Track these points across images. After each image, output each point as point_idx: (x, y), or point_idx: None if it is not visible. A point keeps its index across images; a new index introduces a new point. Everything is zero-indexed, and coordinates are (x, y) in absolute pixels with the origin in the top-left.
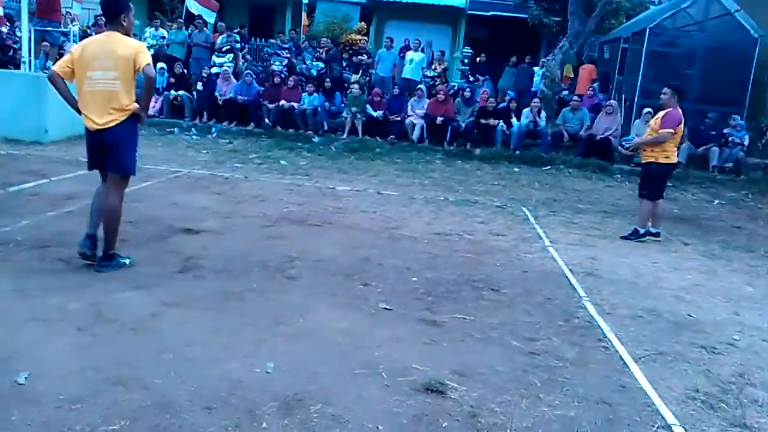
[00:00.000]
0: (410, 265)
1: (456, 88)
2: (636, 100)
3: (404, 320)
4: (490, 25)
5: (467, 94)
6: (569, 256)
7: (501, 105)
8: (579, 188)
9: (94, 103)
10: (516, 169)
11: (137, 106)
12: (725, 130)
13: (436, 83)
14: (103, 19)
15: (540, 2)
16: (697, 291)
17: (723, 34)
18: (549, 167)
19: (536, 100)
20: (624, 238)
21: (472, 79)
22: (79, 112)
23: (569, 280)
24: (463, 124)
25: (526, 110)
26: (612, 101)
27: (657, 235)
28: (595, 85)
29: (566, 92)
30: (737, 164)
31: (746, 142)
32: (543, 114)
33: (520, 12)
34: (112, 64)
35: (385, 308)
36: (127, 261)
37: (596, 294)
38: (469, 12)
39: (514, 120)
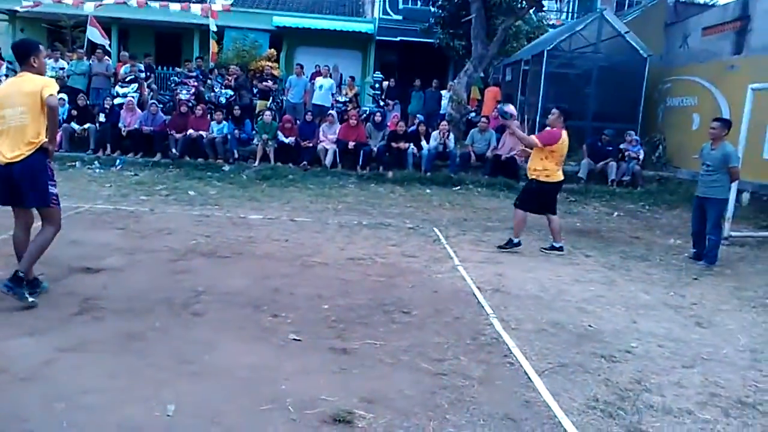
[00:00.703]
0: (322, 293)
1: (367, 112)
2: (537, 119)
3: (314, 350)
4: (399, 49)
5: (378, 118)
6: (478, 273)
7: (411, 128)
8: (488, 207)
9: (7, 139)
10: (428, 191)
11: (45, 139)
12: (622, 146)
13: (348, 108)
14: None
15: (445, 27)
16: (598, 301)
17: (615, 55)
18: (459, 187)
19: (444, 122)
20: (500, 247)
21: (382, 103)
22: None
23: (477, 298)
24: (375, 148)
25: (435, 133)
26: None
27: (561, 249)
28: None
29: (473, 114)
30: (634, 177)
31: (641, 156)
32: (452, 136)
33: (427, 37)
34: (20, 100)
35: (295, 339)
36: (30, 299)
37: (503, 310)
38: (377, 38)
39: (423, 143)
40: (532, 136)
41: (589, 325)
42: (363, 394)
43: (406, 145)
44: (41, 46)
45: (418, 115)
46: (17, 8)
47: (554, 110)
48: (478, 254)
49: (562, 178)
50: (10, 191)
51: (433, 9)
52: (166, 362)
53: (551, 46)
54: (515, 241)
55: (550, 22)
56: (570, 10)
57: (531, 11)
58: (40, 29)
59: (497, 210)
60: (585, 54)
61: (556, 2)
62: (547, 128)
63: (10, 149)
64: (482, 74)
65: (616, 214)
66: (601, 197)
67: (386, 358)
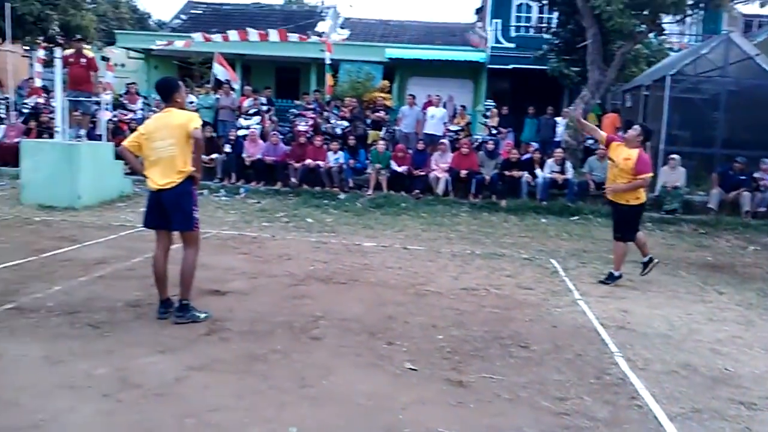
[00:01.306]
0: (436, 323)
1: (479, 140)
2: (661, 146)
3: (430, 381)
4: (511, 77)
5: (490, 146)
6: (600, 309)
7: (525, 156)
8: (609, 238)
9: (158, 168)
10: (543, 220)
11: (192, 168)
12: (756, 174)
13: (460, 137)
14: (158, 97)
15: (560, 54)
16: (734, 343)
17: (745, 78)
18: (577, 217)
19: (559, 150)
20: (601, 282)
21: (495, 131)
22: (145, 177)
23: (600, 335)
24: (488, 177)
25: (550, 161)
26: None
27: (651, 261)
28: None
29: (591, 141)
30: None
31: None
32: (568, 164)
33: (540, 64)
34: (168, 133)
35: (411, 368)
36: (202, 315)
37: (629, 349)
38: (489, 66)
39: (538, 171)
40: (644, 176)
41: (726, 368)
42: (481, 429)
43: (521, 173)
44: (181, 84)
45: (532, 143)
46: (152, 47)
47: (636, 126)
48: (599, 288)
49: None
50: (159, 215)
51: (546, 36)
52: (287, 385)
53: (675, 71)
54: (616, 274)
55: (671, 46)
56: (692, 33)
57: (651, 35)
58: (171, 66)
59: None
60: (712, 78)
61: (678, 25)
62: (630, 151)
63: (161, 177)
64: (599, 101)
65: (751, 248)
66: (734, 229)
67: (504, 394)
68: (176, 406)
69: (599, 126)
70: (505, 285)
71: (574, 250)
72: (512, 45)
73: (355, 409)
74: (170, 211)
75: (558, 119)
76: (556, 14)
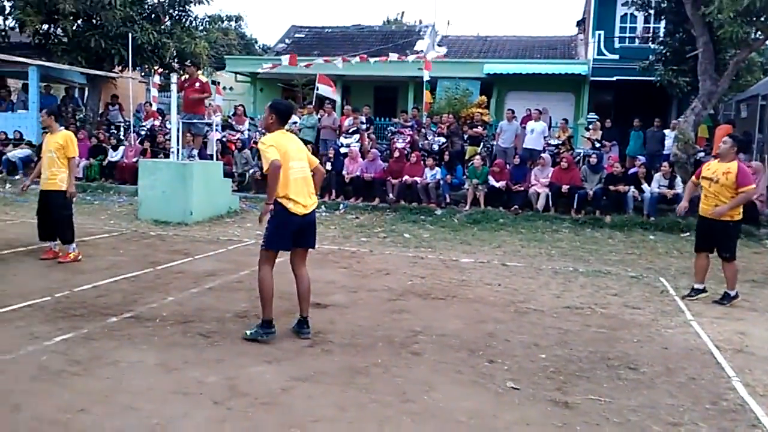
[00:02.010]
0: (538, 341)
1: (581, 154)
2: None
3: (533, 401)
4: (615, 89)
5: (593, 160)
6: (715, 330)
7: (631, 170)
8: None
9: (297, 188)
10: (651, 237)
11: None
12: None
13: (560, 151)
14: (275, 116)
15: (667, 64)
16: None
17: None
18: (688, 234)
19: (666, 163)
20: (716, 302)
21: (598, 145)
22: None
23: (716, 358)
24: (591, 192)
25: (657, 175)
26: (754, 162)
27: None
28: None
29: (702, 154)
30: None
31: None
32: (678, 178)
33: (646, 75)
34: (300, 155)
35: (513, 387)
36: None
37: (747, 373)
38: (591, 78)
39: (645, 185)
40: (747, 188)
41: None
42: None
43: (626, 188)
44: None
45: (639, 156)
46: (258, 70)
47: (726, 139)
48: (714, 309)
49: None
50: (297, 237)
51: (653, 46)
52: (389, 399)
53: None
54: (732, 294)
55: None
56: None
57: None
58: (276, 88)
59: None
60: None
61: None
62: (728, 165)
63: (305, 199)
64: (711, 111)
65: None
66: None
67: (613, 417)
68: (282, 415)
69: (711, 138)
70: (611, 304)
71: (684, 269)
72: (616, 56)
73: (456, 426)
74: (310, 232)
75: (666, 131)
76: (663, 23)
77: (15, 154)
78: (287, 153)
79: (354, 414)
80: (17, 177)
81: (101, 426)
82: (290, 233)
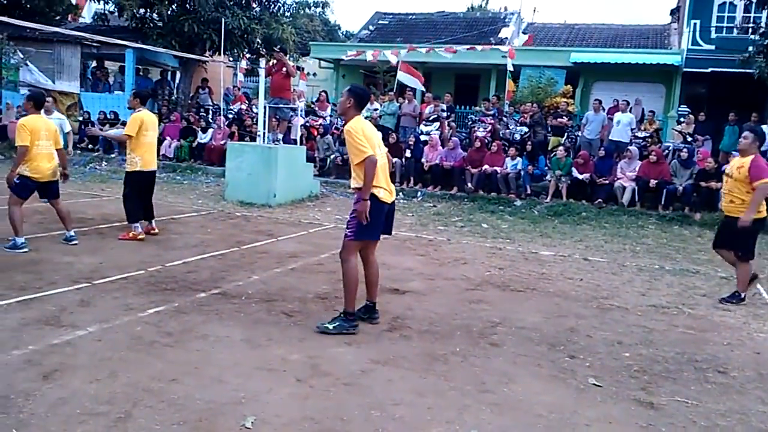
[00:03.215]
0: (622, 339)
1: (671, 148)
2: None
3: (617, 399)
4: (709, 81)
5: (684, 155)
6: None
7: (724, 166)
8: None
9: (386, 176)
10: None
11: None
12: None
13: (648, 144)
14: (353, 100)
15: (767, 55)
16: None
17: None
18: None
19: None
20: (723, 300)
21: (690, 139)
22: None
23: None
24: (681, 187)
25: None
26: None
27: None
28: None
29: None
30: None
31: None
32: None
33: (743, 67)
34: (379, 141)
35: (595, 384)
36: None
37: None
38: (684, 69)
39: None
40: (761, 182)
41: None
42: None
43: (718, 184)
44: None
45: (733, 152)
46: (342, 57)
47: (746, 133)
48: None
49: None
50: (385, 225)
51: (753, 37)
52: (467, 388)
53: None
54: (742, 296)
55: None
56: None
57: None
58: (358, 75)
59: None
60: None
61: None
62: (744, 160)
63: (390, 185)
64: None
65: None
66: None
67: (700, 420)
68: (363, 396)
69: None
70: (699, 304)
71: None
72: (711, 47)
73: (536, 420)
74: (392, 220)
75: (765, 127)
76: (765, 13)
77: (111, 133)
78: (372, 141)
79: (433, 400)
80: (113, 155)
81: (192, 396)
82: (381, 223)
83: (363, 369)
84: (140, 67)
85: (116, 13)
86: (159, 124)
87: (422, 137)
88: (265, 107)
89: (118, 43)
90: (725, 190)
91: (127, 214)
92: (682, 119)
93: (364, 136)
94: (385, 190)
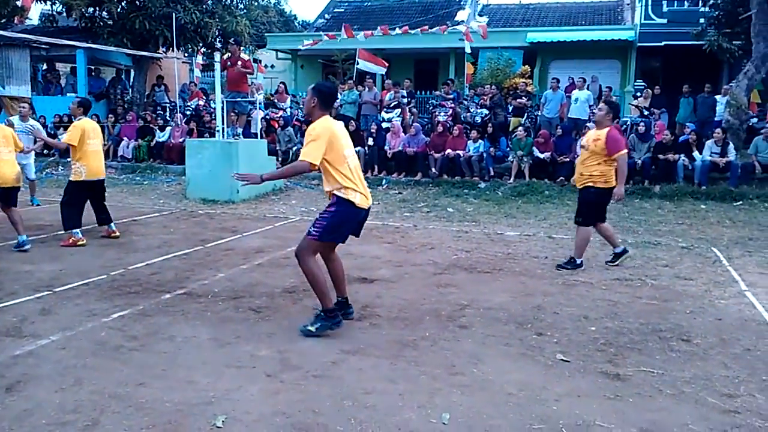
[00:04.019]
0: (587, 314)
1: (629, 123)
2: None
3: (584, 373)
4: (663, 55)
5: (642, 129)
6: None
7: (681, 138)
8: None
9: (361, 179)
10: (702, 206)
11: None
12: None
13: None
14: (316, 100)
15: (719, 27)
16: None
17: None
18: (740, 202)
19: (718, 130)
20: (560, 267)
21: (646, 113)
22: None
23: None
24: (639, 161)
25: (709, 142)
26: None
27: (623, 252)
28: None
29: (755, 120)
30: None
31: None
32: (730, 145)
33: (695, 39)
34: (349, 142)
35: (563, 360)
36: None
37: None
38: (639, 44)
39: (696, 153)
40: (619, 154)
41: None
42: (642, 424)
43: (676, 156)
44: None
45: (688, 124)
46: (299, 48)
47: (602, 105)
48: None
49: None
50: (354, 229)
51: (704, 9)
52: (438, 372)
53: None
54: (578, 261)
55: None
56: None
57: None
58: (316, 65)
59: None
60: None
61: None
62: (599, 132)
63: (366, 189)
64: (765, 75)
65: None
66: None
67: (666, 389)
68: (334, 387)
69: (764, 102)
70: (661, 275)
71: (738, 238)
72: (664, 20)
73: (506, 398)
74: (363, 223)
75: (717, 97)
76: None
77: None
78: (339, 141)
79: (404, 386)
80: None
81: (160, 399)
82: (352, 228)
83: (333, 360)
84: (92, 67)
85: (64, 14)
86: (114, 125)
87: (384, 124)
88: (222, 102)
89: (68, 44)
90: (579, 161)
91: (64, 220)
92: (638, 94)
93: (323, 140)
94: (362, 194)
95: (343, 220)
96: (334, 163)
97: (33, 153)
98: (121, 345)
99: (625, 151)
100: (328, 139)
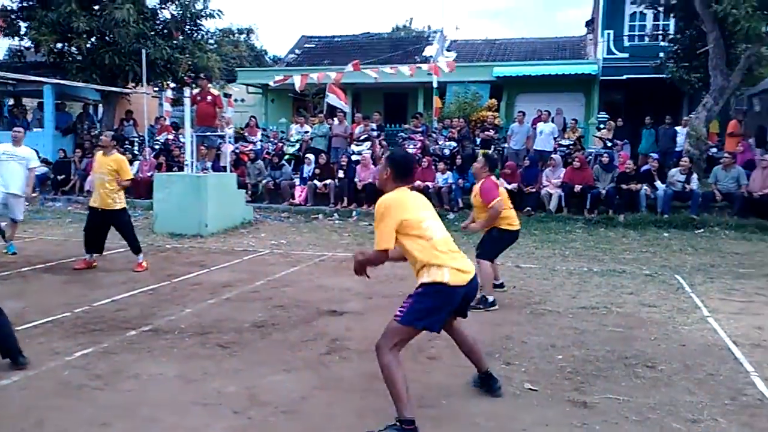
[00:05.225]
0: (555, 342)
1: (593, 154)
2: None
3: (552, 402)
4: (626, 88)
5: (605, 159)
6: (732, 326)
7: (644, 168)
8: (738, 251)
9: (453, 249)
10: (665, 234)
11: None
12: None
13: (572, 151)
14: (389, 171)
15: (679, 61)
16: None
17: None
18: (702, 230)
19: (685, 159)
20: (473, 308)
21: (609, 144)
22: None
23: (734, 354)
24: (604, 191)
25: (673, 171)
26: None
27: (491, 304)
28: (750, 140)
29: (714, 150)
30: None
31: None
32: (694, 174)
33: (656, 73)
34: (434, 212)
35: (531, 389)
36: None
37: (766, 368)
38: (602, 78)
39: (658, 183)
40: (493, 203)
41: None
42: None
43: (639, 186)
44: None
45: (651, 154)
46: (269, 83)
47: (480, 158)
48: (730, 304)
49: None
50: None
51: (663, 44)
52: None
53: None
54: (490, 300)
55: None
56: None
57: None
58: (287, 99)
59: (750, 254)
60: None
61: None
62: (478, 185)
63: (464, 260)
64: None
65: None
66: None
67: (632, 416)
68: (302, 423)
69: (722, 133)
70: (626, 303)
71: (700, 265)
72: (625, 55)
73: (475, 429)
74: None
75: (678, 128)
76: (673, 20)
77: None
78: (412, 212)
79: (373, 420)
80: (35, 195)
81: None
82: (448, 311)
83: (303, 395)
84: (59, 102)
85: (32, 49)
86: (81, 160)
87: (354, 157)
88: (192, 136)
89: (35, 79)
90: (473, 216)
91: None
92: (602, 125)
93: (390, 218)
94: (454, 269)
95: (434, 305)
96: (408, 239)
97: (22, 186)
98: (85, 384)
99: (499, 198)
100: (395, 215)
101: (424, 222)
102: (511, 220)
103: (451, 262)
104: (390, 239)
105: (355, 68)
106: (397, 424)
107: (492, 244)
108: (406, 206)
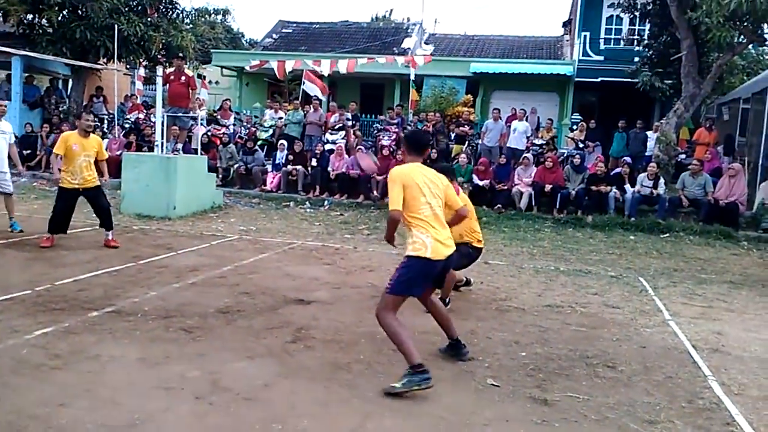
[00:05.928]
0: (519, 339)
1: (565, 155)
2: (760, 161)
3: (513, 398)
4: (599, 90)
5: (577, 161)
6: (692, 330)
7: (614, 171)
8: (702, 257)
9: (442, 226)
10: (632, 237)
11: None
12: None
13: (544, 151)
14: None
15: (652, 67)
16: None
17: None
18: (668, 234)
19: (653, 164)
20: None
21: (581, 145)
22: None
23: (693, 357)
24: (573, 192)
25: (641, 175)
26: (735, 164)
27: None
28: (718, 148)
29: (683, 156)
30: None
31: None
32: (661, 179)
33: (630, 77)
34: (441, 192)
35: (493, 384)
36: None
37: (723, 373)
38: (576, 79)
39: (627, 186)
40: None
41: None
42: None
43: (608, 188)
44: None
45: (625, 158)
46: (245, 66)
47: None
48: (691, 309)
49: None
50: (432, 281)
51: (638, 48)
52: (370, 395)
53: None
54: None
55: None
56: None
57: (750, 46)
58: (262, 83)
59: (713, 260)
60: None
61: None
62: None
63: (445, 235)
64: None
65: None
66: None
67: (591, 414)
68: (264, 410)
69: (693, 140)
70: (591, 303)
71: (663, 269)
72: (600, 58)
73: (437, 422)
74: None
75: (649, 133)
76: (648, 26)
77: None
78: (416, 187)
79: (336, 409)
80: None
81: (82, 420)
82: (427, 281)
83: (265, 383)
84: (28, 74)
85: (1, 19)
86: (49, 135)
87: (328, 146)
88: (163, 116)
89: (3, 50)
90: None
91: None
92: (574, 127)
93: (397, 184)
94: (437, 242)
95: (416, 276)
96: (406, 209)
97: (5, 161)
98: (43, 363)
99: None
100: (402, 184)
101: (421, 197)
102: (480, 236)
103: (435, 238)
104: (398, 202)
105: (349, 69)
106: (410, 370)
107: (463, 258)
108: (410, 178)
